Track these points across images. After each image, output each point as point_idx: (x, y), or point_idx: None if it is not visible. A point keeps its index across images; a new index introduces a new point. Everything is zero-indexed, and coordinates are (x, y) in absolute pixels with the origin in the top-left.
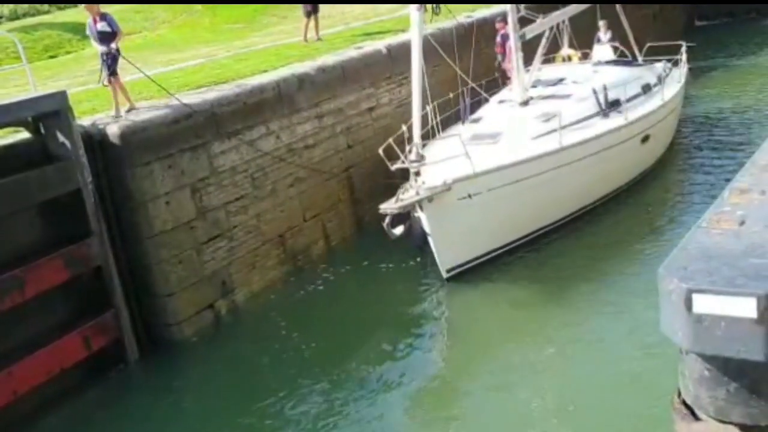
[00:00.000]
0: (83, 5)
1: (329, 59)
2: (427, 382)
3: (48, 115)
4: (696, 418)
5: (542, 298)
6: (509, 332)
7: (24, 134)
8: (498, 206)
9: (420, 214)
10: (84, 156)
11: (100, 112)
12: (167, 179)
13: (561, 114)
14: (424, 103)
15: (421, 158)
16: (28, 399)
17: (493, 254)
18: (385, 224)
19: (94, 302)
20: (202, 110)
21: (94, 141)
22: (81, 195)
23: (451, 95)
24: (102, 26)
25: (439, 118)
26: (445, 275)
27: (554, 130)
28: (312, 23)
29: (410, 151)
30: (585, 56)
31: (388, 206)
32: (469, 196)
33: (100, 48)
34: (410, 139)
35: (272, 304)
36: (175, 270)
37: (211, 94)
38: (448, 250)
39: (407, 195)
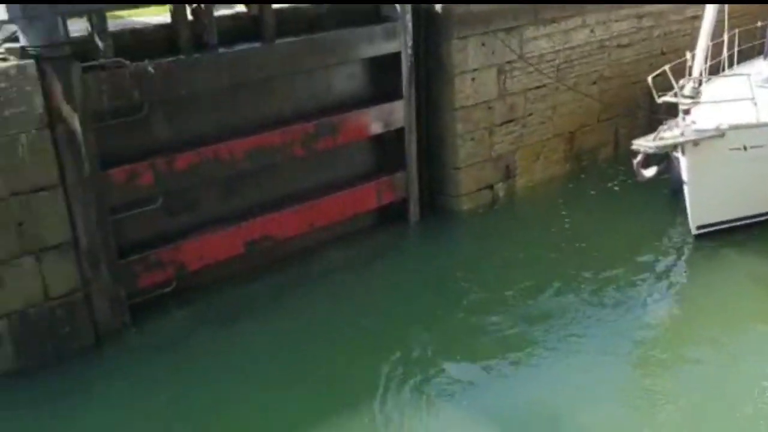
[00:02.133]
0: None
1: None
2: (654, 335)
3: None
4: None
5: None
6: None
7: None
8: None
9: (680, 158)
10: (410, 21)
11: None
12: (478, 56)
13: None
14: (722, 30)
15: (696, 94)
16: (321, 232)
17: (759, 219)
18: (635, 162)
19: (391, 161)
20: None
21: (421, 9)
22: (399, 58)
23: (759, 24)
24: None
25: (736, 50)
26: (694, 231)
27: None
28: None
29: (685, 85)
30: None
31: (644, 143)
32: (745, 148)
33: None
34: (691, 70)
35: (548, 197)
36: (466, 146)
37: None
38: (705, 205)
39: (669, 134)
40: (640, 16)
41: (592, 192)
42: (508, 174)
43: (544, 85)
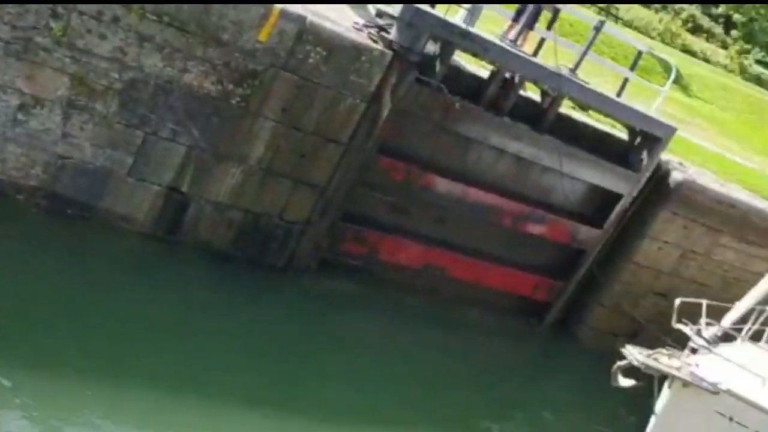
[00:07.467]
0: None
1: None
2: None
3: None
4: None
5: None
6: None
7: None
8: None
9: (663, 390)
10: (644, 178)
11: None
12: (675, 234)
13: None
14: None
15: (714, 341)
16: (477, 289)
17: None
18: (615, 365)
19: (559, 268)
20: None
21: (661, 169)
22: (618, 200)
23: None
24: None
25: None
26: None
27: None
28: None
29: (707, 326)
30: None
31: (636, 355)
32: (731, 419)
33: None
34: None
35: None
36: (618, 291)
37: None
38: None
39: (666, 361)
40: None
41: None
42: (634, 334)
43: (706, 285)
